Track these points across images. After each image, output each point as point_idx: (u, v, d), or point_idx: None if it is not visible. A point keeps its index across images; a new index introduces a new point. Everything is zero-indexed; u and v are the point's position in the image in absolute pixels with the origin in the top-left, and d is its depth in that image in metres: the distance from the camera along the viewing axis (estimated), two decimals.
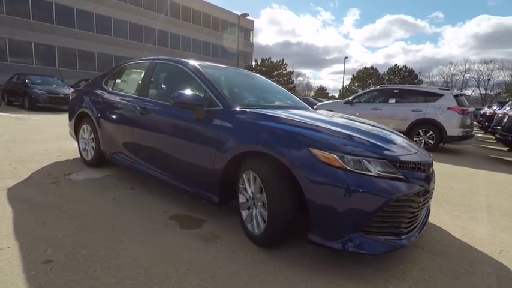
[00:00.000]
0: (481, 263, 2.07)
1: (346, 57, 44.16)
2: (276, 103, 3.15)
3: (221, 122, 2.29)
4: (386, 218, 1.80)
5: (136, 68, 3.52)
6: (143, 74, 3.24)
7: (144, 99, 2.97)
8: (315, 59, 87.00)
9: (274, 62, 35.62)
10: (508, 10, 76.28)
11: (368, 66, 52.51)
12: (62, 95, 11.37)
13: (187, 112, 2.50)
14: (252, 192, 2.15)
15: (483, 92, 51.23)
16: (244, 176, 2.21)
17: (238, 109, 2.34)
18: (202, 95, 2.54)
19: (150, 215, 2.53)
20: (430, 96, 7.41)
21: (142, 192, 3.05)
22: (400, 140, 2.25)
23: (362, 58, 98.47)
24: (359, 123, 2.49)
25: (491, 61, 51.53)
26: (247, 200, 2.24)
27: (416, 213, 1.93)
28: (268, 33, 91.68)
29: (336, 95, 61.48)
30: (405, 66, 48.69)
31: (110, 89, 3.58)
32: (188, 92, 2.44)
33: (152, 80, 3.09)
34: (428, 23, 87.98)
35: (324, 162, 1.78)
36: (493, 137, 10.73)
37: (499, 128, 7.76)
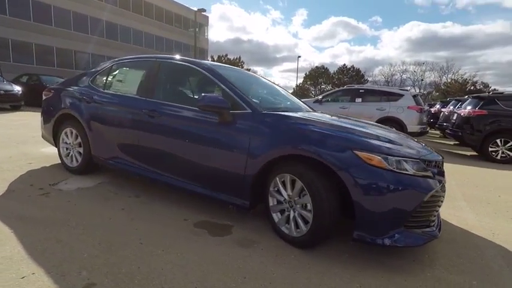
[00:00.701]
0: (485, 246, 2.37)
1: (299, 56, 46.13)
2: (291, 105, 3.17)
3: (252, 126, 2.26)
4: (422, 213, 1.97)
5: (133, 67, 3.26)
6: (144, 73, 3.02)
7: (151, 101, 2.78)
8: (266, 56, 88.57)
9: (231, 59, 35.44)
10: (434, 18, 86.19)
11: (316, 65, 55.07)
12: (2, 92, 9.92)
13: (209, 115, 2.42)
14: (288, 195, 2.17)
15: (417, 90, 57.46)
16: (277, 179, 2.22)
17: (268, 112, 2.33)
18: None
19: (171, 223, 2.40)
20: (392, 96, 8.11)
21: (148, 200, 2.86)
22: (415, 142, 2.46)
23: (310, 57, 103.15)
24: (374, 126, 2.65)
25: (423, 63, 57.81)
26: (279, 202, 2.26)
27: (440, 206, 2.15)
28: (219, 29, 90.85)
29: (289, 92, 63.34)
30: (353, 66, 52.26)
31: (102, 89, 3.26)
32: (214, 94, 2.36)
33: (158, 80, 2.90)
34: (368, 26, 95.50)
35: (369, 164, 1.88)
36: (439, 133, 12.17)
37: (445, 124, 8.85)
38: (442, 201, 2.16)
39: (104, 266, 1.76)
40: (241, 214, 2.64)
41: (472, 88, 37.35)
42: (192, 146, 2.52)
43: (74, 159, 3.43)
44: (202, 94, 2.30)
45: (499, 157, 6.40)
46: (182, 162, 2.59)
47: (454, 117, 7.57)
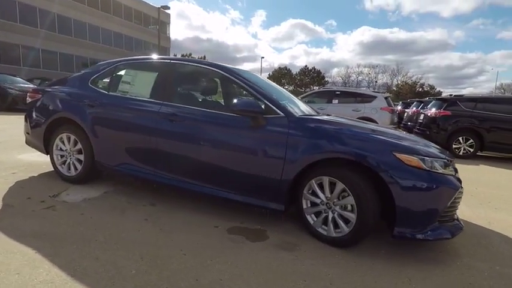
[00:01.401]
0: (489, 234, 2.66)
1: (262, 57, 46.45)
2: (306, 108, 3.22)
3: (288, 130, 2.28)
4: (450, 208, 2.15)
5: (142, 69, 3.06)
6: (158, 76, 2.87)
7: (171, 105, 2.65)
8: (226, 56, 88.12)
9: (197, 57, 34.68)
10: (382, 24, 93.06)
11: (276, 65, 55.91)
12: None
13: (239, 120, 2.40)
14: (326, 197, 2.23)
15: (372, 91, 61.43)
16: (313, 182, 2.27)
17: (303, 116, 2.37)
18: None
19: (204, 231, 2.33)
20: (366, 98, 8.63)
21: (166, 208, 2.73)
22: (427, 142, 2.67)
23: (270, 58, 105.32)
24: (391, 129, 2.83)
25: (376, 66, 61.93)
26: (312, 205, 2.31)
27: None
28: (178, 27, 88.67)
29: None
30: (314, 68, 54.25)
31: (106, 92, 3.03)
32: (249, 99, 2.34)
33: (176, 83, 2.78)
34: (324, 29, 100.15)
35: (409, 165, 2.02)
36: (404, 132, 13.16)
37: (410, 123, 9.64)
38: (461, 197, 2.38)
39: (160, 281, 1.66)
40: (269, 218, 2.64)
41: (420, 90, 40.97)
42: (222, 152, 2.46)
43: (72, 167, 3.14)
44: (239, 99, 2.27)
45: (461, 153, 7.12)
46: (210, 168, 2.52)
47: (421, 118, 8.27)
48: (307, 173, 2.27)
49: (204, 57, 35.75)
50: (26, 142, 3.53)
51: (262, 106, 2.38)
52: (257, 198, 2.42)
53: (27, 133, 3.43)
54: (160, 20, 33.74)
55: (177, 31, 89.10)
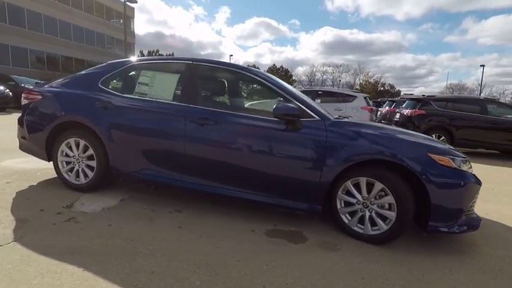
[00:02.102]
0: (491, 224, 2.95)
1: (231, 55, 46.10)
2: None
3: (326, 134, 2.34)
4: (473, 202, 2.36)
5: (161, 70, 2.91)
6: (180, 78, 2.77)
7: (201, 109, 2.58)
8: (190, 53, 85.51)
9: (165, 55, 33.38)
10: (343, 25, 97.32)
11: (241, 63, 55.66)
12: None
13: (275, 123, 2.41)
14: (363, 196, 2.33)
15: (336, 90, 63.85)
16: (349, 182, 2.35)
17: (338, 120, 2.44)
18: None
19: (244, 236, 2.32)
20: (347, 98, 9.01)
21: (194, 214, 2.66)
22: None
23: (235, 56, 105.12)
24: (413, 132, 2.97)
25: (340, 65, 64.52)
26: (346, 205, 2.40)
27: None
28: (138, 21, 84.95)
29: None
30: (282, 67, 55.10)
31: (120, 94, 2.85)
32: (288, 103, 2.36)
33: (200, 85, 2.70)
34: (288, 29, 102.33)
35: (441, 165, 2.18)
36: None
37: (383, 121, 10.26)
38: None
39: None
40: (299, 219, 2.69)
41: (382, 89, 43.51)
42: (257, 155, 2.46)
43: (81, 174, 2.92)
44: (280, 103, 2.28)
45: None
46: (244, 172, 2.50)
47: (397, 116, 8.82)
48: (343, 174, 2.35)
49: (173, 53, 34.64)
50: (21, 148, 3.21)
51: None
52: (293, 200, 2.45)
53: (23, 138, 3.12)
54: (122, 13, 32.10)
55: (138, 26, 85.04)
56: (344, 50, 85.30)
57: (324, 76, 62.22)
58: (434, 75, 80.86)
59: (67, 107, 2.90)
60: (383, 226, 2.27)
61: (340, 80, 62.56)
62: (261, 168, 2.46)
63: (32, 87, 3.45)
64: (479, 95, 35.90)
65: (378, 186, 2.26)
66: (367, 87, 44.30)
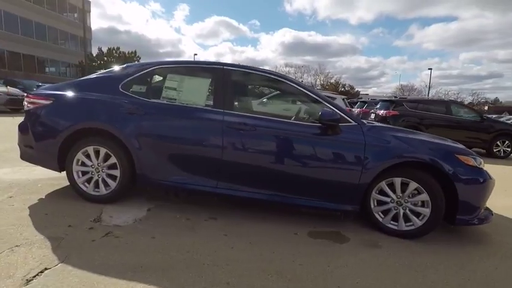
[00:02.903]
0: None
1: (195, 54, 45.13)
2: None
3: (364, 138, 2.47)
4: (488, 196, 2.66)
5: (189, 74, 2.80)
6: (211, 82, 2.71)
7: (236, 114, 2.56)
8: (148, 50, 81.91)
9: (126, 53, 31.55)
10: (301, 26, 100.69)
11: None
12: None
13: (314, 128, 2.50)
14: (398, 195, 2.50)
15: None
16: (384, 183, 2.51)
17: (372, 124, 2.58)
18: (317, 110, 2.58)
19: (290, 239, 2.36)
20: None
21: (232, 220, 2.62)
22: None
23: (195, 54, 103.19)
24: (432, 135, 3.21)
25: (302, 66, 66.32)
26: (379, 204, 2.56)
27: None
28: (90, 15, 79.42)
29: None
30: None
31: (146, 98, 2.71)
32: (331, 109, 2.44)
33: (234, 91, 2.67)
34: (248, 29, 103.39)
35: (467, 164, 2.43)
36: None
37: None
38: None
39: None
40: (332, 219, 2.79)
41: (342, 89, 45.73)
42: (297, 160, 2.51)
43: (101, 185, 2.72)
44: (325, 110, 2.37)
45: None
46: (285, 177, 2.53)
47: (372, 117, 9.41)
48: (378, 175, 2.50)
49: (135, 52, 32.75)
50: (24, 157, 2.89)
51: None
52: (333, 202, 2.55)
53: (28, 146, 2.81)
54: (77, 6, 30.00)
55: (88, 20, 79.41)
56: (303, 51, 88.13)
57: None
58: (385, 77, 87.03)
59: (86, 113, 2.68)
60: (417, 222, 2.46)
61: (302, 81, 64.49)
62: (303, 172, 2.52)
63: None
64: (427, 95, 39.43)
65: (413, 185, 2.44)
66: (329, 88, 46.22)
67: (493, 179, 2.58)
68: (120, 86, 2.75)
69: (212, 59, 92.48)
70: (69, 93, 2.77)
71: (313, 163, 2.50)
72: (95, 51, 33.70)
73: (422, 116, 8.38)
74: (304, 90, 2.67)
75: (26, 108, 2.83)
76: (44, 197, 2.82)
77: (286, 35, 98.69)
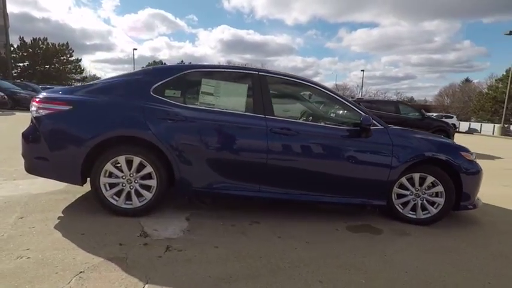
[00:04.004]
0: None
1: (135, 49, 42.11)
2: None
3: (391, 140, 2.78)
4: None
5: (224, 79, 2.74)
6: (248, 88, 2.72)
7: (278, 119, 2.63)
8: (72, 42, 73.42)
9: (57, 45, 27.69)
10: (239, 24, 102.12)
11: (136, 57, 51.26)
12: None
13: (348, 132, 2.73)
14: (416, 188, 2.88)
15: None
16: (404, 178, 2.88)
17: (394, 128, 2.91)
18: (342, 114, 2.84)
19: (338, 236, 2.56)
20: None
21: (274, 222, 2.70)
22: None
23: (128, 48, 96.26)
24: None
25: (245, 64, 67.07)
26: (399, 197, 2.92)
27: None
28: None
29: None
30: (191, 64, 53.64)
31: (182, 103, 2.59)
32: (366, 114, 2.68)
33: (272, 97, 2.73)
34: (186, 24, 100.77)
35: (468, 160, 2.93)
36: None
37: None
38: None
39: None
40: (358, 214, 3.07)
41: None
42: (335, 161, 2.71)
43: (134, 197, 2.53)
44: (366, 115, 2.61)
45: None
46: (323, 177, 2.71)
47: None
48: (402, 172, 2.85)
49: (67, 44, 28.82)
50: (32, 170, 2.53)
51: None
52: (365, 198, 2.81)
53: (42, 158, 2.45)
54: None
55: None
56: (242, 49, 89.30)
57: None
58: (319, 76, 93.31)
59: (117, 119, 2.46)
60: (433, 210, 2.88)
61: None
62: (342, 172, 2.73)
63: (45, 93, 2.63)
64: (361, 95, 43.57)
65: (430, 179, 2.84)
66: None
67: (482, 170, 3.15)
68: (151, 91, 2.58)
69: (147, 54, 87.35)
70: (94, 98, 2.50)
71: (350, 164, 2.72)
72: (13, 42, 29.04)
73: (378, 115, 9.37)
74: (336, 96, 2.89)
75: (35, 114, 2.46)
76: (62, 215, 2.50)
77: (225, 32, 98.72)
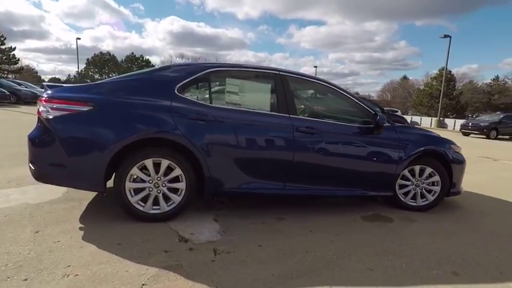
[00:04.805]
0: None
1: (78, 38, 37.88)
2: None
3: (398, 136, 3.06)
4: None
5: (244, 78, 2.71)
6: (271, 87, 2.75)
7: (302, 119, 2.73)
8: None
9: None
10: (189, 16, 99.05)
11: (73, 47, 46.05)
12: None
13: (362, 129, 2.94)
14: (416, 179, 3.22)
15: None
16: (406, 170, 3.19)
17: (398, 125, 3.19)
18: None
19: (358, 227, 2.75)
20: None
21: (298, 218, 2.79)
22: None
23: (65, 36, 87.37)
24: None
25: (199, 58, 65.04)
26: (400, 187, 3.23)
27: None
28: None
29: (62, 78, 52.16)
30: (142, 56, 50.81)
31: (208, 103, 2.52)
32: (380, 113, 2.90)
33: (294, 96, 2.79)
34: (131, 12, 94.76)
35: (456, 151, 3.35)
36: None
37: None
38: None
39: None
40: (365, 204, 3.32)
41: None
42: (354, 157, 2.89)
43: (161, 201, 2.42)
44: (382, 115, 2.81)
45: None
46: (343, 172, 2.88)
47: None
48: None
49: None
50: (45, 178, 2.26)
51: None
52: (376, 190, 3.06)
53: (58, 165, 2.21)
54: None
55: None
56: (193, 42, 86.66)
57: None
58: None
59: (145, 120, 2.31)
60: (430, 197, 3.25)
61: None
62: (359, 167, 2.93)
63: (49, 91, 2.32)
64: None
65: (428, 170, 3.20)
66: None
67: (466, 160, 3.63)
68: (176, 90, 2.47)
69: (88, 44, 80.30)
70: (115, 98, 2.31)
71: (366, 159, 2.93)
72: None
73: None
74: (351, 96, 3.07)
75: (47, 115, 2.20)
76: (82, 225, 2.29)
77: (174, 23, 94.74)
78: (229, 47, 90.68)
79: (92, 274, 1.71)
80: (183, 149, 2.41)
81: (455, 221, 3.10)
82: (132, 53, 50.53)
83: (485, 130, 16.24)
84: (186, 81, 2.54)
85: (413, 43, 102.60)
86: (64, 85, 2.46)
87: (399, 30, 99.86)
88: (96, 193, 2.91)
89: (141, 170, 2.36)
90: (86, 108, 2.23)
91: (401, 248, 2.36)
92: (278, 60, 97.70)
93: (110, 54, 48.73)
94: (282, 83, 2.79)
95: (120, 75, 2.81)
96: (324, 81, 3.09)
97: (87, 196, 2.86)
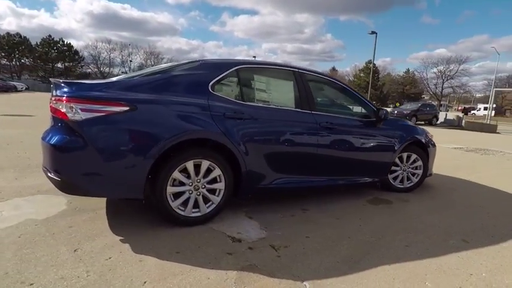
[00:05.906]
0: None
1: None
2: None
3: (392, 127, 3.47)
4: None
5: (270, 76, 2.71)
6: (294, 85, 2.82)
7: (323, 115, 2.89)
8: None
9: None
10: None
11: None
12: None
13: (368, 123, 3.27)
14: (404, 165, 3.71)
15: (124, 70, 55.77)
16: (396, 158, 3.66)
17: (390, 117, 3.60)
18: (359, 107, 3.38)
19: (372, 210, 3.08)
20: None
21: (318, 208, 2.98)
22: None
23: None
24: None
25: (129, 44, 59.32)
26: (391, 172, 3.71)
27: None
28: None
29: None
30: (62, 40, 44.47)
31: (241, 101, 2.48)
32: (382, 108, 3.23)
33: (313, 93, 2.91)
34: None
35: (430, 138, 3.94)
36: None
37: None
38: None
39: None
40: (363, 189, 3.69)
41: None
42: (364, 148, 3.21)
43: (201, 203, 2.33)
44: (385, 110, 3.14)
45: None
46: (354, 163, 3.16)
47: None
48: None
49: None
50: (76, 190, 1.98)
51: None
52: (377, 176, 3.44)
53: (93, 174, 1.94)
54: None
55: None
56: (117, 26, 79.22)
57: (112, 55, 55.09)
58: None
59: (186, 121, 2.18)
60: (414, 180, 3.79)
61: (131, 61, 57.70)
62: (366, 157, 3.25)
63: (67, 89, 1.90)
64: None
65: (413, 156, 3.71)
66: None
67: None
68: (209, 87, 2.38)
69: None
70: (153, 97, 2.12)
71: (372, 149, 3.28)
72: None
73: None
74: (358, 95, 3.34)
75: (73, 117, 1.91)
76: (123, 237, 2.09)
77: (94, 3, 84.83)
78: (159, 32, 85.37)
79: (178, 287, 1.62)
80: (222, 149, 2.36)
81: (441, 200, 3.65)
82: (50, 36, 43.81)
83: (407, 117, 18.90)
84: (218, 78, 2.46)
85: (338, 36, 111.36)
86: (85, 82, 2.14)
87: (325, 23, 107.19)
88: (105, 201, 2.64)
89: (182, 172, 2.24)
90: (122, 109, 2.01)
91: (415, 225, 2.75)
92: (212, 49, 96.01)
93: (20, 36, 41.29)
94: (302, 80, 2.91)
95: (141, 71, 2.55)
96: (334, 78, 3.30)
97: (96, 205, 2.57)
